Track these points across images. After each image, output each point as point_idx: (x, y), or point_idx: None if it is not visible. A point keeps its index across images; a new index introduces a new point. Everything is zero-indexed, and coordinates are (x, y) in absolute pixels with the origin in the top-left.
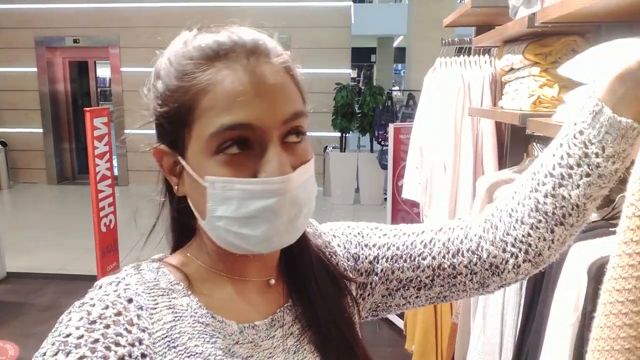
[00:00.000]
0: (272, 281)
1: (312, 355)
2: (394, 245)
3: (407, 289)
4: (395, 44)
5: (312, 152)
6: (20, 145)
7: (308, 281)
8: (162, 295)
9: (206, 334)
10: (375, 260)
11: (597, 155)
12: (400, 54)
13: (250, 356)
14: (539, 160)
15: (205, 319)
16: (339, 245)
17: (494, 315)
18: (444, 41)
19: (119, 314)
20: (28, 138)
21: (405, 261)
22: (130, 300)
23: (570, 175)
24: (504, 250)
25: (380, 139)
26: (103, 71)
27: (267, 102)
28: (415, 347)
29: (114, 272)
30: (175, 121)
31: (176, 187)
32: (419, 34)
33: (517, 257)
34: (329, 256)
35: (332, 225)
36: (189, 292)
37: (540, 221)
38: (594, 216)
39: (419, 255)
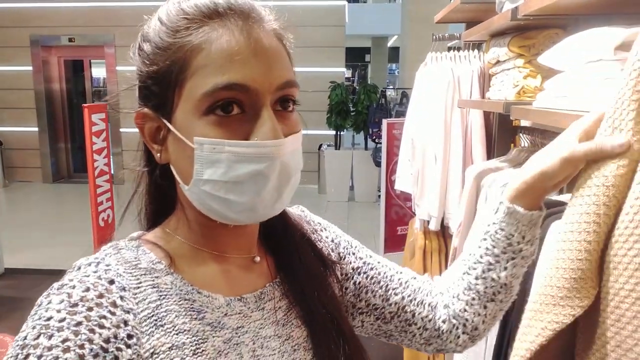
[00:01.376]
0: (258, 258)
1: (299, 329)
2: (376, 269)
3: (368, 315)
4: (389, 44)
5: (301, 125)
6: (16, 144)
7: (293, 259)
8: (145, 274)
9: (193, 310)
10: (357, 271)
11: (519, 242)
12: (394, 54)
13: (241, 326)
14: (467, 250)
15: (192, 295)
16: (327, 237)
17: None
18: (434, 36)
19: (101, 296)
20: (23, 137)
21: (380, 288)
22: (112, 282)
23: (497, 261)
24: (448, 320)
25: (374, 137)
26: (98, 70)
27: (262, 65)
28: None
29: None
30: (164, 81)
31: (158, 154)
32: (412, 33)
33: (457, 328)
34: (314, 241)
35: (325, 222)
36: (172, 270)
37: (474, 299)
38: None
39: (392, 290)
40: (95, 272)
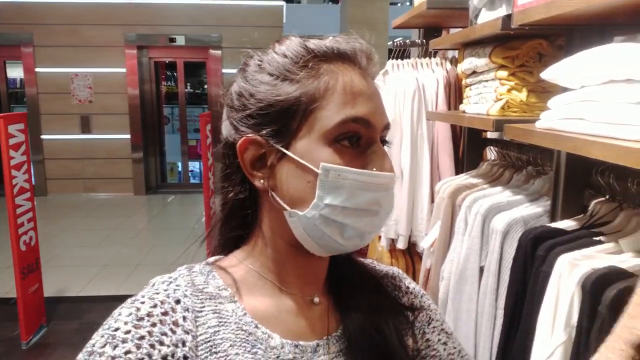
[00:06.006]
0: (317, 299)
1: None
2: (437, 356)
3: None
4: None
5: None
6: None
7: (357, 309)
8: (209, 299)
9: (248, 343)
10: (416, 352)
11: None
12: None
13: None
14: None
15: (249, 328)
16: (406, 300)
17: (466, 326)
18: (395, 43)
19: (165, 313)
20: None
21: None
22: (178, 301)
23: None
24: None
25: None
26: (15, 72)
27: (377, 105)
28: None
29: (37, 292)
30: (290, 110)
31: (262, 180)
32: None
33: None
34: (386, 288)
35: (418, 290)
36: (236, 299)
37: None
38: (572, 224)
39: None
40: (165, 290)
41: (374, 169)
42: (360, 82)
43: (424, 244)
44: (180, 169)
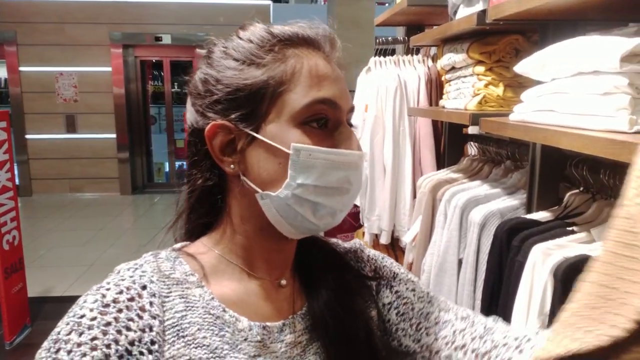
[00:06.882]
0: (284, 282)
1: None
2: (410, 304)
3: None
4: None
5: None
6: None
7: (322, 287)
8: (176, 284)
9: (215, 327)
10: (389, 306)
11: None
12: None
13: (258, 355)
14: None
15: (217, 312)
16: (369, 268)
17: None
18: (378, 40)
19: (132, 299)
20: None
21: (411, 326)
22: (144, 287)
23: None
24: None
25: None
26: None
27: (342, 89)
28: None
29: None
30: (259, 93)
31: (232, 165)
32: (338, 34)
33: None
34: (350, 263)
35: (378, 255)
36: (203, 284)
37: None
38: (547, 215)
39: (425, 329)
40: (131, 276)
41: (344, 148)
42: (325, 66)
43: (406, 238)
44: (167, 168)
